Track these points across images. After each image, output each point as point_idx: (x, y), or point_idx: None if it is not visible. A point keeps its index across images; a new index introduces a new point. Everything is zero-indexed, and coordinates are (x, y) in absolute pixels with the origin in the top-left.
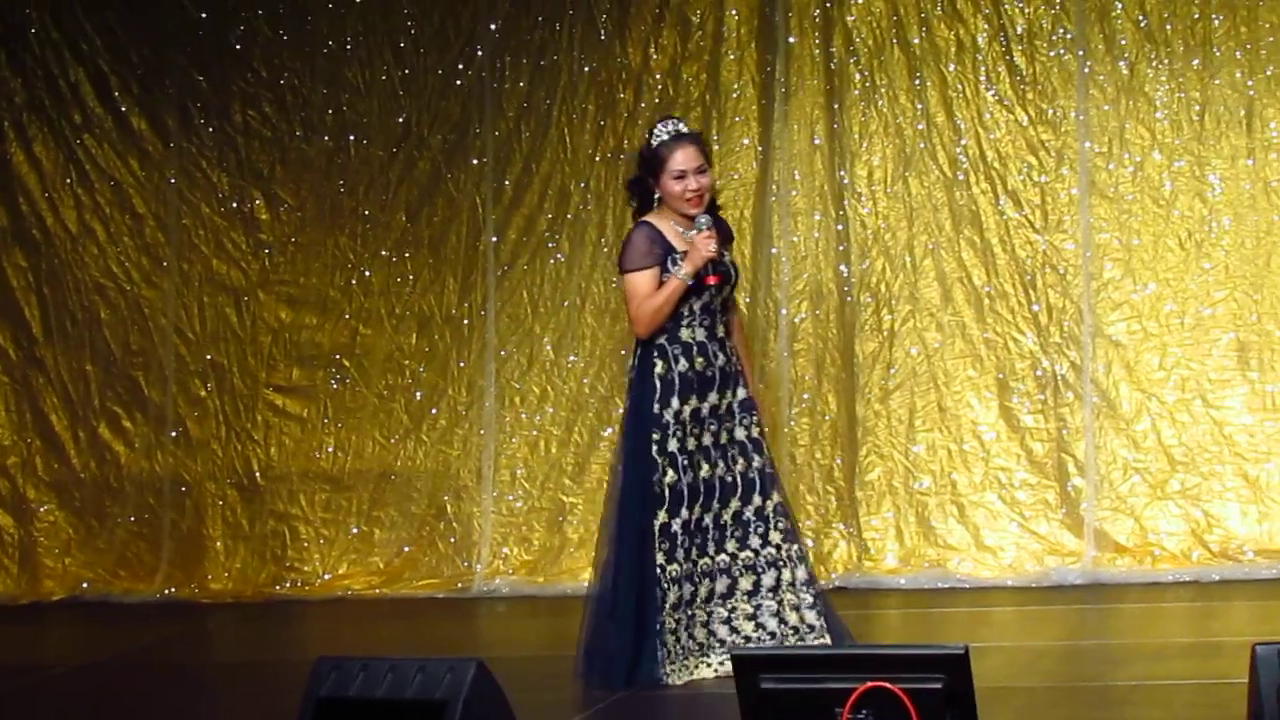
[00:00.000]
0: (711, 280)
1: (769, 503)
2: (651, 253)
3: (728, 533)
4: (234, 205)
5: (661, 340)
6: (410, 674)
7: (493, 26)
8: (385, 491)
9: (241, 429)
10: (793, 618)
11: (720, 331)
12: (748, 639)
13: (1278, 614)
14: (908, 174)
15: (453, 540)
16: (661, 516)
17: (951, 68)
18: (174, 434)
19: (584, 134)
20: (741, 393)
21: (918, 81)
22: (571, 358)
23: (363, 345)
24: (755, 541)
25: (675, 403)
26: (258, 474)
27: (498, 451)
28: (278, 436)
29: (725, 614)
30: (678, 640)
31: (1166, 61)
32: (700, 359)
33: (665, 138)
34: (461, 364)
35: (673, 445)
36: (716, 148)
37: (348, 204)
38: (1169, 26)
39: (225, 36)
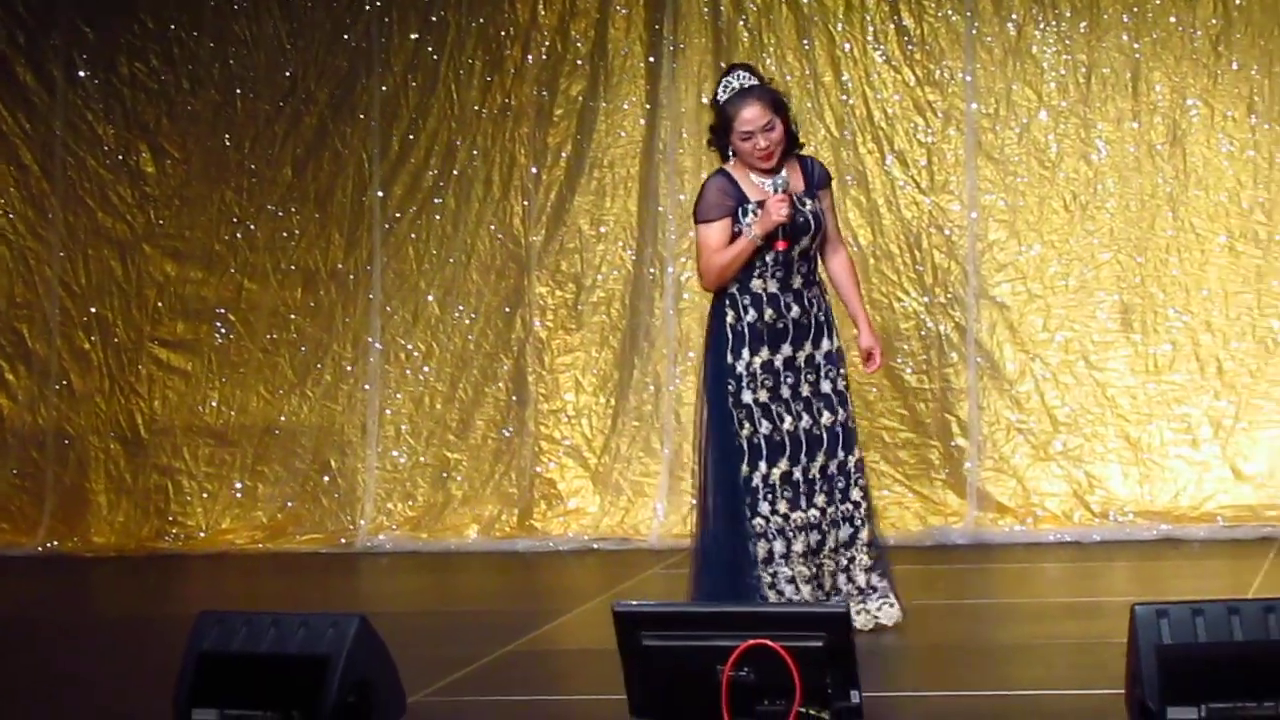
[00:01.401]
0: (780, 245)
1: (850, 458)
2: (722, 204)
3: (816, 487)
4: (120, 158)
5: (733, 290)
6: (293, 629)
7: None
8: (269, 446)
9: (125, 383)
10: (861, 579)
11: (797, 283)
12: (861, 591)
13: (1157, 575)
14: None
15: (337, 496)
16: (744, 469)
17: (839, 27)
18: (57, 387)
19: (471, 90)
20: (826, 344)
21: (805, 42)
22: (457, 314)
23: (248, 300)
24: (838, 496)
25: (746, 354)
26: (141, 428)
27: (382, 407)
28: (162, 390)
29: (827, 568)
30: (814, 590)
31: (1054, 24)
32: (770, 310)
33: (731, 94)
34: (347, 319)
35: (747, 397)
36: (603, 104)
37: (234, 158)
38: None
39: None
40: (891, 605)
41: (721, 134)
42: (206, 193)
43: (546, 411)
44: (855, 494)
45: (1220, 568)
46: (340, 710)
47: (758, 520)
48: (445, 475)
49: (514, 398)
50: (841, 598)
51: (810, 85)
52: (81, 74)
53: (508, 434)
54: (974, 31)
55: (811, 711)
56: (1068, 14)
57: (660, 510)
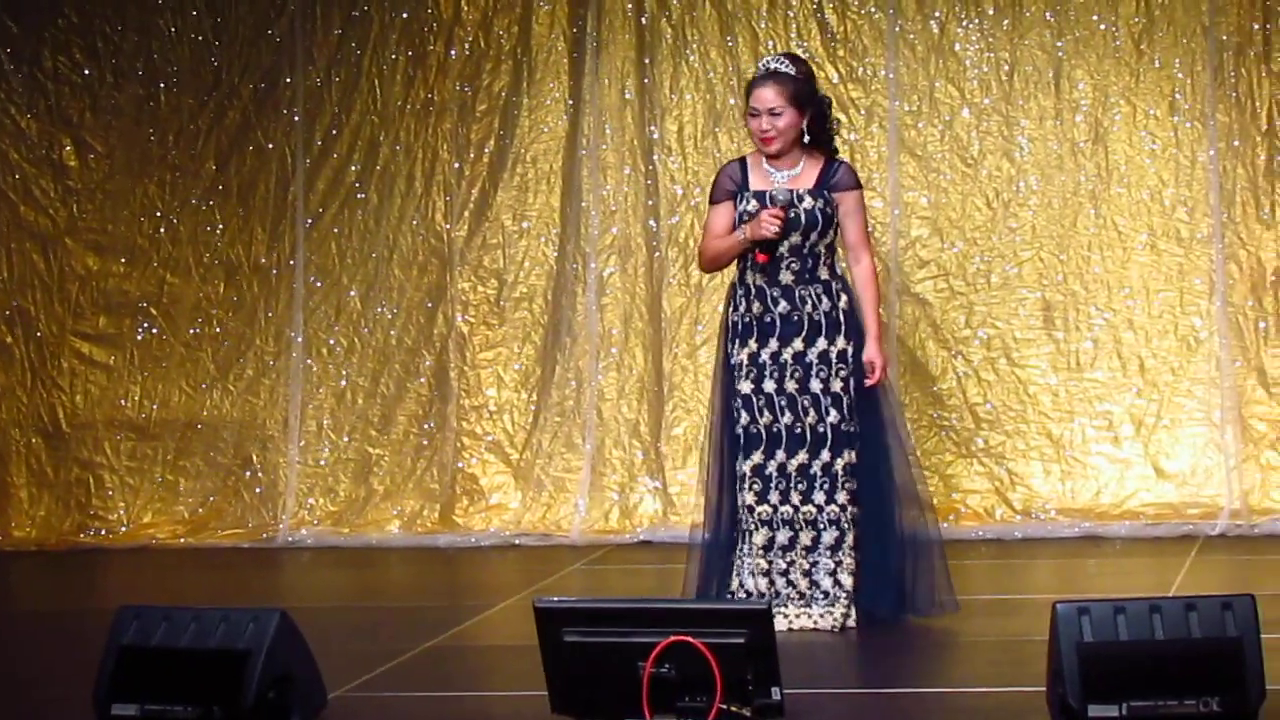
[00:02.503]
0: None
1: (838, 461)
2: (722, 188)
3: (792, 484)
4: (43, 152)
5: (734, 281)
6: (214, 624)
7: None
8: (191, 441)
9: (47, 376)
10: (828, 582)
11: (787, 279)
12: (802, 595)
13: (1078, 572)
14: (718, 130)
15: (258, 490)
16: (739, 459)
17: (763, 25)
18: None
19: (394, 85)
20: (822, 343)
21: (729, 39)
22: (379, 309)
23: (170, 294)
24: (819, 498)
25: (737, 345)
26: (63, 421)
27: (304, 402)
28: (84, 384)
29: (784, 566)
30: (771, 585)
31: (977, 21)
32: (758, 304)
33: (756, 75)
34: (269, 314)
35: (738, 387)
36: (526, 100)
37: (157, 152)
38: None
39: None
40: (850, 615)
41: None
42: (129, 187)
43: (469, 407)
44: (841, 497)
45: (1142, 565)
46: (260, 705)
47: (747, 510)
48: (367, 470)
49: (436, 393)
50: (780, 599)
51: (734, 83)
52: (5, 68)
53: (430, 429)
54: (897, 29)
55: (733, 708)
56: (990, 12)
57: (582, 506)
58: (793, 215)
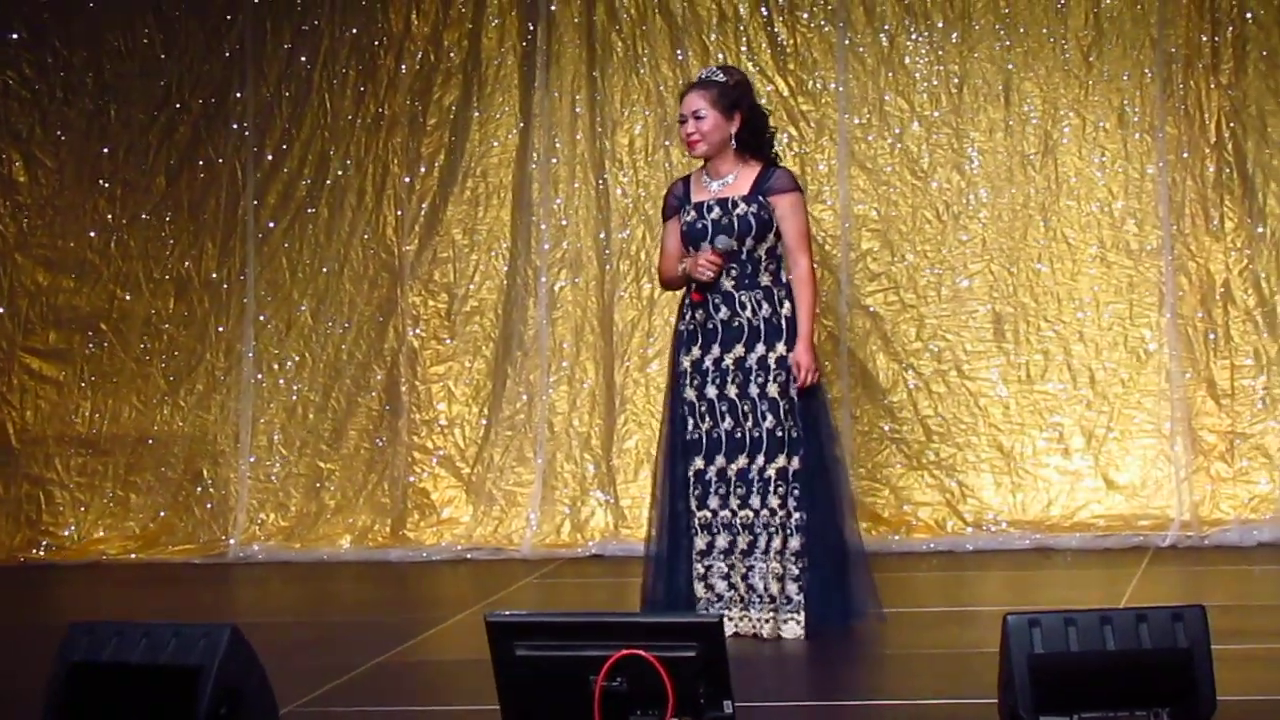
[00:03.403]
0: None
1: (771, 466)
2: (668, 205)
3: (732, 489)
4: None
5: (682, 291)
6: (165, 639)
7: None
8: (142, 456)
9: None
10: (775, 587)
11: (727, 285)
12: (742, 598)
13: (1030, 584)
14: (668, 143)
15: (209, 506)
16: (682, 465)
17: (713, 38)
18: None
19: (344, 99)
20: (761, 349)
21: (679, 52)
22: (330, 323)
23: (120, 309)
24: (755, 502)
25: (683, 353)
26: (13, 437)
27: (255, 417)
28: (34, 400)
29: (724, 569)
30: (710, 589)
31: (926, 34)
32: (700, 311)
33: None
34: (220, 329)
35: (684, 394)
36: (476, 114)
37: (107, 167)
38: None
39: None
40: (798, 622)
41: None
42: (79, 202)
43: (420, 421)
44: (773, 501)
45: (1092, 577)
46: None
47: (686, 515)
48: (318, 485)
49: (387, 407)
50: (724, 603)
51: None
52: None
53: (381, 444)
54: (847, 42)
55: None
56: (940, 24)
57: (533, 520)
58: (725, 223)
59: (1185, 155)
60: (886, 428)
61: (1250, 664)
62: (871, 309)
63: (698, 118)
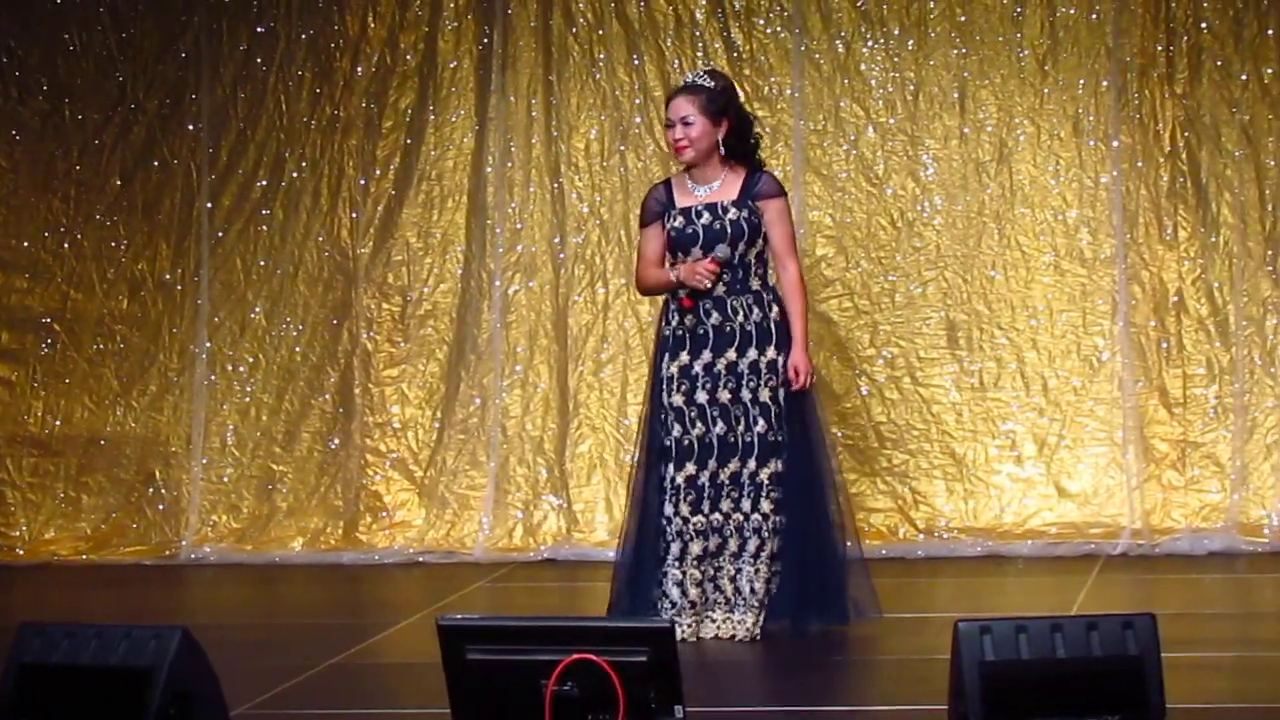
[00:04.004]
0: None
1: (764, 471)
2: (649, 211)
3: (723, 492)
4: None
5: (666, 296)
6: (115, 641)
7: None
8: (94, 457)
9: None
10: (761, 590)
11: (719, 290)
12: (728, 600)
13: (980, 591)
14: (624, 148)
15: (161, 507)
16: (669, 470)
17: (669, 43)
18: None
19: (300, 101)
20: (753, 354)
21: (635, 57)
22: (284, 325)
23: (73, 309)
24: (746, 505)
25: (668, 358)
26: None
27: (208, 419)
28: None
29: (712, 572)
30: (702, 593)
31: (882, 41)
32: (690, 317)
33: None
34: (173, 330)
35: (668, 400)
36: (432, 117)
37: (61, 167)
38: (885, 6)
39: None
40: (756, 621)
41: None
42: (33, 202)
43: (373, 424)
44: (765, 505)
45: (1044, 584)
46: None
47: (666, 521)
48: (270, 487)
49: (340, 410)
50: (707, 605)
51: (640, 100)
52: None
53: (334, 446)
54: (802, 48)
55: None
56: (896, 32)
57: (486, 523)
58: (717, 228)
59: (1139, 164)
60: (840, 434)
61: (1200, 672)
62: (826, 315)
63: (686, 124)
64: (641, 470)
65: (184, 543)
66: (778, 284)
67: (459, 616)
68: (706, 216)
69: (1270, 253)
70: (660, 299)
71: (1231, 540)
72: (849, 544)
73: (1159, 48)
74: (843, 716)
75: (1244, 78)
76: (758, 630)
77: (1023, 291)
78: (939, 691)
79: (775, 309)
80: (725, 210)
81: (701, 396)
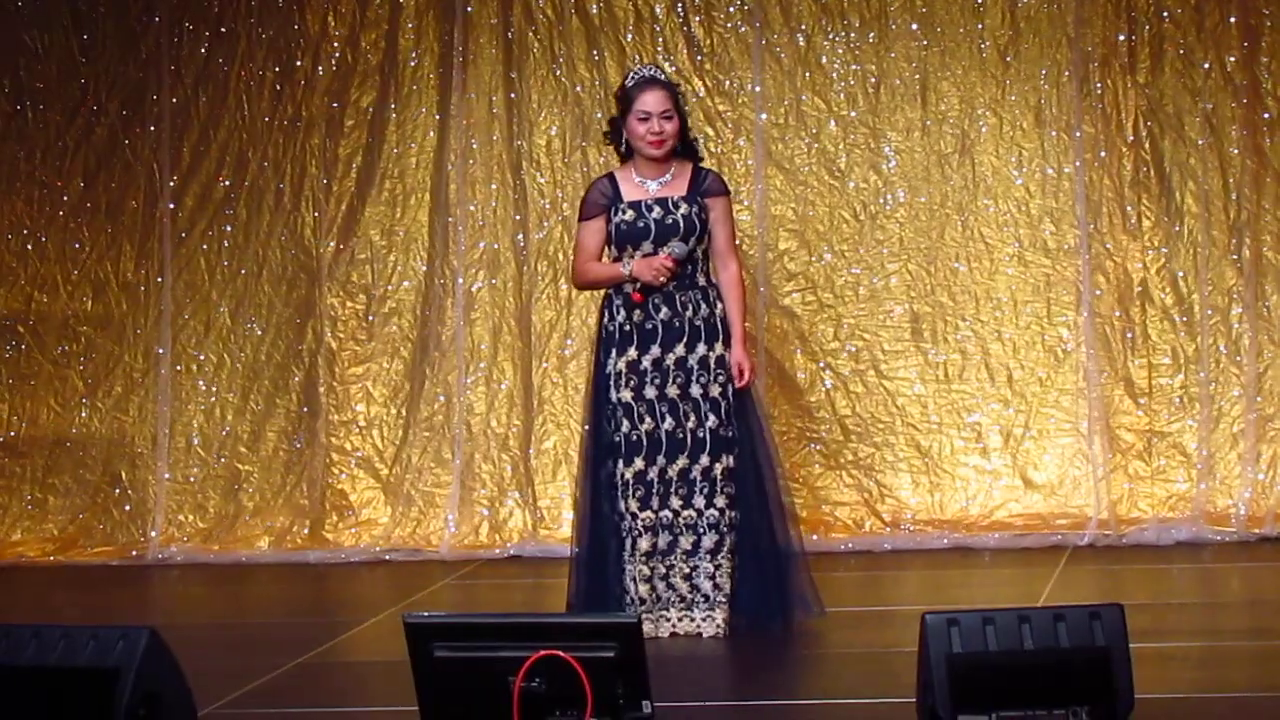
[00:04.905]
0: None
1: (717, 465)
2: (595, 204)
3: (672, 489)
4: None
5: (610, 291)
6: (83, 642)
7: None
8: (60, 458)
9: None
10: (706, 585)
11: (670, 285)
12: (683, 598)
13: (947, 583)
14: (585, 144)
15: (127, 508)
16: (612, 466)
17: (629, 38)
18: None
19: (262, 101)
20: (702, 349)
21: (595, 53)
22: (248, 325)
23: (38, 311)
24: (699, 502)
25: (614, 354)
26: None
27: (173, 419)
28: None
29: (664, 571)
30: (653, 590)
31: (843, 34)
32: (638, 312)
33: (638, 80)
34: (138, 330)
35: (614, 396)
36: (393, 115)
37: (24, 169)
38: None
39: None
40: (724, 618)
41: (619, 121)
42: None
43: (338, 423)
44: (720, 501)
45: (1010, 576)
46: None
47: (619, 517)
48: (236, 487)
49: (305, 409)
50: (662, 603)
51: (601, 96)
52: None
53: (299, 445)
54: (763, 42)
55: None
56: (856, 24)
57: (451, 521)
58: (670, 223)
59: (1102, 154)
60: (804, 427)
61: (1168, 662)
62: (789, 309)
63: (667, 118)
64: (588, 466)
65: (150, 543)
66: (718, 281)
67: (426, 614)
68: (658, 211)
69: (1234, 241)
70: (599, 293)
71: (1198, 530)
72: (795, 538)
73: (1121, 37)
74: (811, 710)
75: (1206, 66)
76: (726, 627)
77: (986, 283)
78: (907, 684)
79: (719, 304)
80: (676, 205)
81: (650, 392)
